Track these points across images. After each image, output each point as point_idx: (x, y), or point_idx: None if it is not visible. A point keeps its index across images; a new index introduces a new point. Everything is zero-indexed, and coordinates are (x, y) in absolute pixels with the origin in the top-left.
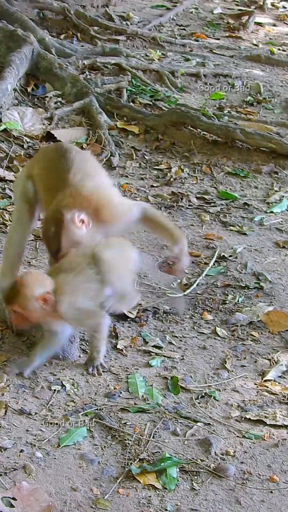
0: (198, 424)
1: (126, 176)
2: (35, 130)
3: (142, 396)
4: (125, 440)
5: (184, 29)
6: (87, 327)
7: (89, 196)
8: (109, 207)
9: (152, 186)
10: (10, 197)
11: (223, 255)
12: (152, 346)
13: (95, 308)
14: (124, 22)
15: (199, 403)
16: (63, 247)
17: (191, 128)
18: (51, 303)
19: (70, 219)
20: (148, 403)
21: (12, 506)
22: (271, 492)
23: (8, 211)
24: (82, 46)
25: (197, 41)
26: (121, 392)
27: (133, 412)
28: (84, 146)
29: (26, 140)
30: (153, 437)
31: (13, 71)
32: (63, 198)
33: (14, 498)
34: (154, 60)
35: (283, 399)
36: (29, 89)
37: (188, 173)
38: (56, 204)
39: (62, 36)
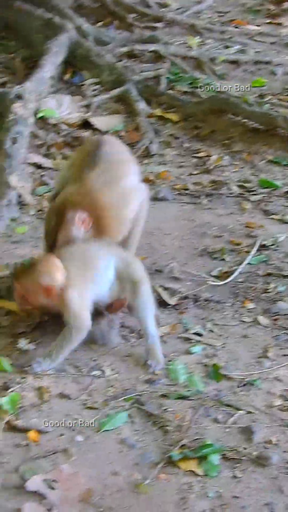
0: (240, 412)
1: (165, 164)
2: (73, 118)
3: (183, 383)
4: (166, 426)
5: (223, 16)
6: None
7: (99, 202)
8: (112, 221)
9: (191, 174)
10: (48, 184)
11: (265, 244)
12: (193, 333)
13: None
14: (162, 9)
15: (241, 391)
16: (58, 242)
17: (231, 116)
18: (55, 296)
19: (72, 217)
20: (189, 390)
21: (53, 488)
22: None
23: (46, 198)
24: (120, 33)
25: (237, 28)
26: (161, 380)
27: (173, 398)
28: (122, 134)
29: (63, 128)
30: (194, 424)
31: (50, 59)
32: (74, 193)
33: (55, 481)
34: (192, 47)
35: None
36: (66, 77)
37: (228, 161)
38: (65, 198)
39: (99, 24)
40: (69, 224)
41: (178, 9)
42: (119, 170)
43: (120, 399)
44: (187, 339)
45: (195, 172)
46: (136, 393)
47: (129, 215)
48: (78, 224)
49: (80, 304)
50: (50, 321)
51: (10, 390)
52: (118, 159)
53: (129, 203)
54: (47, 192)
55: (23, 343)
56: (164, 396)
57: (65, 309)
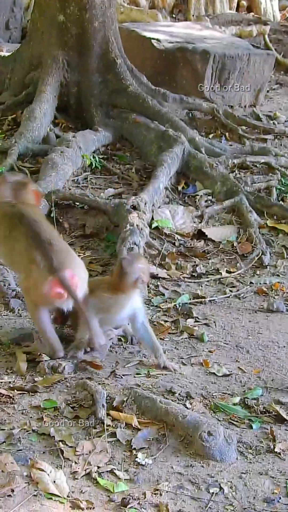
0: None
1: (278, 275)
2: (186, 228)
3: None
4: None
5: None
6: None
7: None
8: None
9: None
10: (164, 295)
11: None
12: None
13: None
14: (271, 121)
15: None
16: None
17: None
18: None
19: None
20: None
21: None
22: None
23: (162, 308)
24: (231, 145)
25: None
26: (280, 498)
27: None
28: (235, 244)
29: (177, 238)
30: None
31: (165, 170)
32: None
33: None
34: None
35: None
36: (179, 188)
37: None
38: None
39: (211, 136)
40: None
41: (286, 120)
42: None
43: None
44: None
45: None
46: None
47: None
48: None
49: None
50: None
51: (129, 506)
52: None
53: None
54: (162, 302)
55: None
56: None
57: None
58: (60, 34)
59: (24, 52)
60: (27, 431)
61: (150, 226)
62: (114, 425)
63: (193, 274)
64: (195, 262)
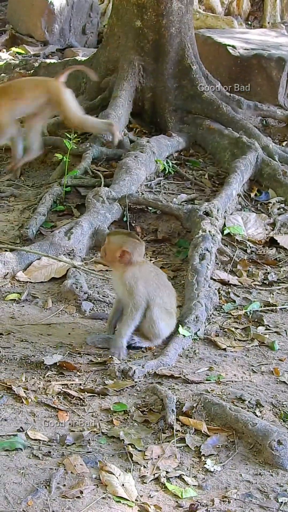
0: None
1: None
2: (258, 235)
3: None
4: None
5: None
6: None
7: None
8: None
9: None
10: (235, 301)
11: None
12: None
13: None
14: None
15: None
16: None
17: None
18: (123, 264)
19: None
20: None
21: None
22: None
23: (233, 315)
24: None
25: None
26: None
27: None
28: None
29: (249, 245)
30: None
31: (238, 177)
32: None
33: None
34: None
35: None
36: (252, 195)
37: None
38: None
39: (284, 143)
40: None
41: None
42: None
43: None
44: None
45: None
46: None
47: None
48: None
49: (136, 284)
50: None
51: None
52: None
53: None
54: (233, 309)
55: None
56: None
57: (121, 283)
58: (136, 39)
59: (100, 56)
60: (97, 433)
61: (222, 232)
62: (183, 431)
63: (265, 281)
64: (266, 269)
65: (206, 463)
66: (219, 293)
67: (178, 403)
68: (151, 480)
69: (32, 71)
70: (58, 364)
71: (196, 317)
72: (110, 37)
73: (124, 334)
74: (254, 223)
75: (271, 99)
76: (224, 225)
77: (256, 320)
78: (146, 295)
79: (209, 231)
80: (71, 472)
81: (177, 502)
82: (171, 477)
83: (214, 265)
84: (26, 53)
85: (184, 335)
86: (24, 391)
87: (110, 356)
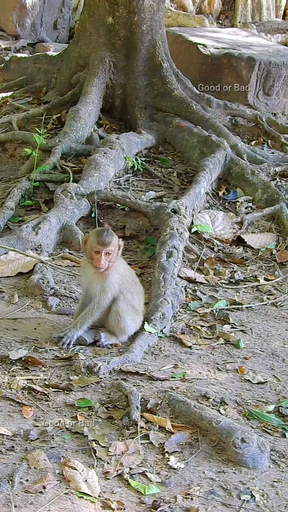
0: None
1: None
2: (226, 233)
3: None
4: None
5: None
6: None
7: None
8: None
9: None
10: (201, 299)
11: None
12: None
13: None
14: None
15: None
16: None
17: None
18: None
19: None
20: None
21: None
22: None
23: (199, 313)
24: (273, 153)
25: None
26: None
27: None
28: (273, 252)
29: (216, 243)
30: None
31: (206, 175)
32: None
33: None
34: None
35: None
36: (220, 193)
37: None
38: None
39: (253, 143)
40: None
41: None
42: None
43: None
44: None
45: None
46: None
47: None
48: None
49: (114, 281)
50: None
51: (160, 509)
52: None
53: None
54: (199, 307)
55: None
56: None
57: (99, 283)
58: (108, 36)
59: (71, 52)
60: (61, 429)
61: (189, 230)
62: (147, 428)
63: (231, 280)
64: (233, 268)
65: (169, 460)
66: (185, 290)
67: (142, 400)
68: (114, 476)
69: (2, 65)
70: (23, 359)
71: (162, 315)
72: (81, 33)
73: (79, 327)
74: (221, 221)
75: (240, 99)
76: (192, 223)
77: (222, 318)
78: (116, 293)
79: (176, 229)
80: (34, 467)
81: (139, 498)
82: (134, 474)
83: (181, 263)
84: None
85: (150, 332)
86: None
87: (54, 342)
